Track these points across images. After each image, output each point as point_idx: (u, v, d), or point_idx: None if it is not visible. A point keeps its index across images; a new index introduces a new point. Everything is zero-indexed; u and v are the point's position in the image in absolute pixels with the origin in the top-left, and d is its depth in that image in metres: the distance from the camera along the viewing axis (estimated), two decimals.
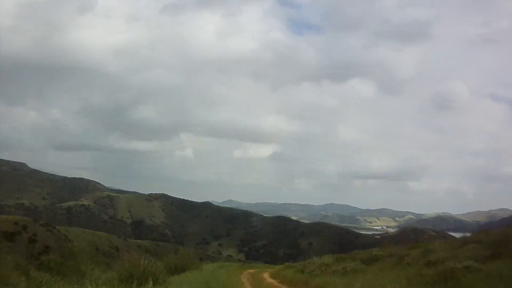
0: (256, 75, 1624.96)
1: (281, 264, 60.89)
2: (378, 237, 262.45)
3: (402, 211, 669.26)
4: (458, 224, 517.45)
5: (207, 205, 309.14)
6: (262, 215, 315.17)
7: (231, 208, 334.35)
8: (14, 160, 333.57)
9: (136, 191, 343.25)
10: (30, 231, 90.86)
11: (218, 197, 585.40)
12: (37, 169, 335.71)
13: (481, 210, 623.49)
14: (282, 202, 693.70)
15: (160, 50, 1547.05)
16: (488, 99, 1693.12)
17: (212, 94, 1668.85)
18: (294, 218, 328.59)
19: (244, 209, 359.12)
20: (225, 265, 48.13)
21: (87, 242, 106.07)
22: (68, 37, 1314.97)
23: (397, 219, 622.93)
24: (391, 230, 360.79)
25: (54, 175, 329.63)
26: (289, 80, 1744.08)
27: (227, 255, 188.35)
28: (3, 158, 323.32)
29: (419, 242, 29.28)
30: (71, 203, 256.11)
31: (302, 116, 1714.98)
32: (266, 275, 34.53)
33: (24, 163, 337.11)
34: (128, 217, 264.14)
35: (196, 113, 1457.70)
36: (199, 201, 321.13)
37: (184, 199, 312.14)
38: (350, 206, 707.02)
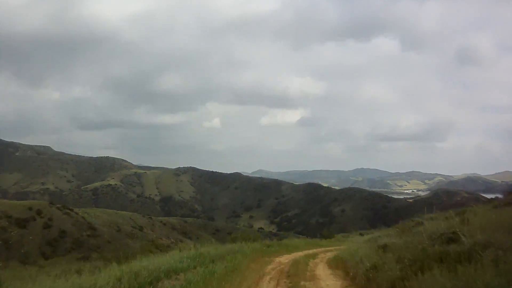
0: (278, 36, 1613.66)
1: (326, 237, 52.58)
2: (411, 201, 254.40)
3: (431, 173, 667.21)
4: (488, 185, 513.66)
5: (236, 176, 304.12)
6: (292, 183, 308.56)
7: (261, 178, 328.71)
8: (38, 144, 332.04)
9: (164, 166, 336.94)
10: (45, 216, 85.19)
11: (247, 168, 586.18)
12: (62, 151, 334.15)
13: (509, 170, 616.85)
14: (311, 169, 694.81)
15: (178, 15, 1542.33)
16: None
17: (235, 58, 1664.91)
18: (325, 184, 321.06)
19: (274, 178, 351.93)
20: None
21: (108, 223, 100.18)
22: (84, 8, 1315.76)
23: (427, 181, 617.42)
24: (422, 193, 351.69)
25: (79, 156, 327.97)
26: (312, 40, 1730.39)
27: (259, 228, 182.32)
28: (27, 143, 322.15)
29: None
30: (97, 183, 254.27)
31: (328, 77, 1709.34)
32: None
33: (49, 146, 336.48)
34: (156, 194, 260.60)
35: (221, 80, 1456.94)
36: (228, 172, 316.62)
37: (213, 171, 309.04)
38: (379, 170, 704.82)
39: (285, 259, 23.92)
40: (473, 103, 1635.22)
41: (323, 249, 32.94)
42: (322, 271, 19.24)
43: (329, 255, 26.47)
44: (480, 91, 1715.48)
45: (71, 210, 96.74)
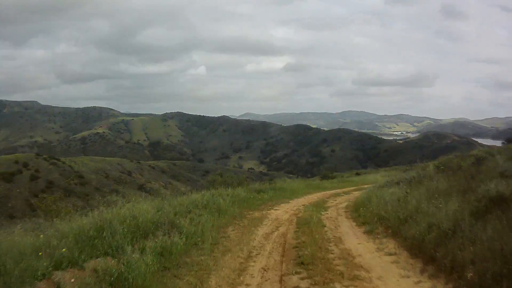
0: None
1: (327, 177, 46.47)
2: (400, 141, 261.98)
3: (420, 117, 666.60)
4: (477, 129, 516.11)
5: (224, 119, 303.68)
6: (280, 125, 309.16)
7: (248, 120, 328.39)
8: (26, 100, 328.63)
9: (152, 113, 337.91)
10: (32, 168, 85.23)
11: (235, 111, 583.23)
12: (49, 104, 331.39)
13: (498, 116, 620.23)
14: (299, 112, 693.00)
15: None
16: (497, 8, 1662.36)
17: (220, 8, 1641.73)
18: (313, 126, 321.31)
19: (262, 120, 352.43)
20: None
21: (96, 170, 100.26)
22: None
23: (416, 124, 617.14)
24: (411, 135, 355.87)
25: (66, 108, 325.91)
26: None
27: (248, 168, 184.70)
28: (15, 100, 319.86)
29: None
30: (85, 133, 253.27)
31: (313, 27, 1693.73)
32: None
33: (36, 101, 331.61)
34: (144, 139, 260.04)
35: (205, 30, 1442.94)
36: (216, 116, 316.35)
37: (200, 115, 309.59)
38: (367, 112, 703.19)
39: (283, 212, 17.59)
40: (459, 54, 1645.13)
41: (328, 192, 27.30)
42: (356, 241, 12.04)
43: (342, 201, 21.69)
44: (467, 44, 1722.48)
45: (58, 160, 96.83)
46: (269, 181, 34.07)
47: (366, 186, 29.05)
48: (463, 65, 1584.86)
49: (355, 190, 28.22)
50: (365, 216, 14.58)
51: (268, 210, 17.95)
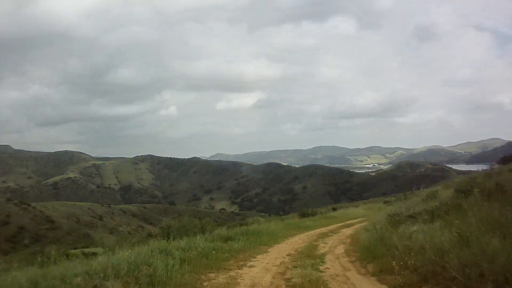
0: (233, 21, 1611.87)
1: (307, 215, 38.80)
2: (373, 174, 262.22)
3: (392, 147, 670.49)
4: (450, 156, 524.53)
5: (194, 161, 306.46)
6: (251, 164, 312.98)
7: (219, 161, 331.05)
8: None
9: (122, 156, 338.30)
10: (2, 213, 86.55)
11: (205, 152, 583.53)
12: (21, 149, 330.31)
13: (471, 141, 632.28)
14: (270, 150, 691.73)
15: (133, 6, 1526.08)
16: (471, 29, 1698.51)
17: (191, 45, 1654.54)
18: (284, 164, 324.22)
19: (233, 160, 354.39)
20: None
21: (67, 215, 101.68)
22: (38, 6, 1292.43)
23: (388, 155, 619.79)
24: (383, 167, 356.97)
25: (38, 152, 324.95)
26: (267, 22, 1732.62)
27: (220, 209, 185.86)
28: None
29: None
30: (57, 178, 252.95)
31: (283, 59, 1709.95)
32: None
33: (8, 145, 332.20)
34: (116, 183, 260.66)
35: (176, 68, 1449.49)
36: (186, 157, 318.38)
37: (171, 157, 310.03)
38: (338, 147, 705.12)
39: (263, 270, 12.23)
40: (432, 79, 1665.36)
41: (312, 233, 23.03)
42: None
43: (335, 243, 18.09)
44: (440, 67, 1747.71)
45: (28, 205, 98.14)
46: (241, 223, 31.03)
47: (351, 221, 29.44)
48: (436, 90, 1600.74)
49: (342, 227, 25.59)
50: (404, 275, 9.25)
51: (239, 268, 12.21)
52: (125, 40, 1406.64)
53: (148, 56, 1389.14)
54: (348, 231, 22.06)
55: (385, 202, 49.54)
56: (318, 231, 23.68)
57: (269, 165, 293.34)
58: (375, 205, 47.56)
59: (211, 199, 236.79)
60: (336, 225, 27.73)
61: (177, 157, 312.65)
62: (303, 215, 39.08)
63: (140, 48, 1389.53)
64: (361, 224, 25.07)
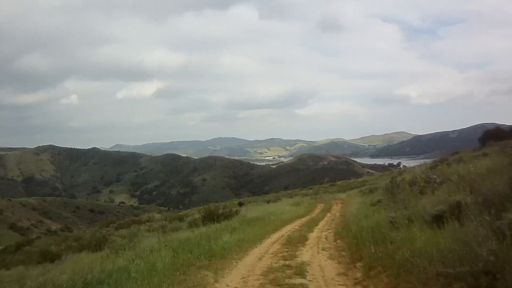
0: (136, 9, 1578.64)
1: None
2: (274, 166, 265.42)
3: (292, 140, 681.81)
4: (354, 149, 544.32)
5: (94, 151, 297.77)
6: (150, 155, 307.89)
7: (118, 152, 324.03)
8: None
9: (26, 146, 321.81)
10: None
11: (106, 143, 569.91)
12: None
13: (376, 134, 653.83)
14: (169, 141, 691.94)
15: None
16: (378, 20, 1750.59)
17: (95, 33, 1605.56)
18: (183, 155, 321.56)
19: (132, 151, 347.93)
20: None
21: None
22: None
23: (288, 147, 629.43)
24: (284, 160, 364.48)
25: None
26: (170, 11, 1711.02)
27: (120, 202, 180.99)
28: None
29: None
30: None
31: (185, 48, 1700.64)
32: None
33: None
34: (18, 175, 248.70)
35: (80, 56, 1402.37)
36: (87, 148, 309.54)
37: (71, 148, 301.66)
38: (238, 138, 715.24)
39: None
40: (336, 70, 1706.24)
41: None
42: None
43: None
44: (344, 58, 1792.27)
45: None
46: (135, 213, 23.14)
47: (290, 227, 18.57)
48: (339, 82, 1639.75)
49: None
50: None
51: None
52: (30, 29, 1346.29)
53: (53, 45, 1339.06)
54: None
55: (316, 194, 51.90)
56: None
57: (168, 156, 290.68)
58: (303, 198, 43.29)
59: (111, 191, 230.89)
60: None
61: (78, 148, 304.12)
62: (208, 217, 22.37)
63: (45, 37, 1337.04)
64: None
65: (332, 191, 56.37)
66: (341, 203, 32.02)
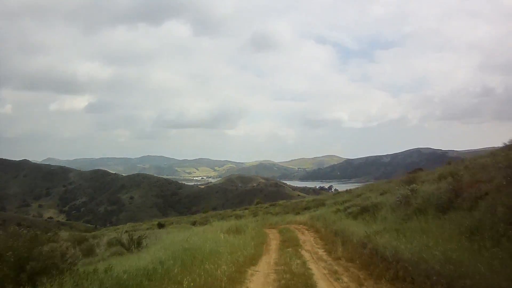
0: (70, 19, 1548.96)
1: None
2: (203, 187, 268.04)
3: (221, 160, 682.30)
4: (283, 171, 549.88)
5: (25, 164, 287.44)
6: (79, 170, 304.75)
7: (48, 165, 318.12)
8: None
9: None
10: None
11: (37, 156, 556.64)
12: None
13: (305, 157, 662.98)
14: (99, 157, 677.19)
15: None
16: (312, 41, 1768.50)
17: (29, 42, 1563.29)
18: (112, 172, 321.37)
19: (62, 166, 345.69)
20: None
21: None
22: None
23: (217, 168, 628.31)
24: (212, 180, 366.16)
25: None
26: (103, 23, 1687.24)
27: (48, 218, 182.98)
28: None
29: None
30: None
31: (117, 62, 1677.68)
32: None
33: None
34: None
35: (13, 65, 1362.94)
36: (18, 159, 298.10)
37: (2, 159, 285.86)
38: (167, 157, 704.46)
39: None
40: (266, 90, 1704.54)
41: None
42: None
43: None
44: (275, 78, 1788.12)
45: None
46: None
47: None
48: (270, 102, 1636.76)
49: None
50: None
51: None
52: None
53: None
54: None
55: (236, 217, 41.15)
56: None
57: (96, 172, 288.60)
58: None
59: (40, 206, 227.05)
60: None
61: (8, 159, 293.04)
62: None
63: None
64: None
65: (276, 212, 47.94)
66: (313, 231, 22.56)
